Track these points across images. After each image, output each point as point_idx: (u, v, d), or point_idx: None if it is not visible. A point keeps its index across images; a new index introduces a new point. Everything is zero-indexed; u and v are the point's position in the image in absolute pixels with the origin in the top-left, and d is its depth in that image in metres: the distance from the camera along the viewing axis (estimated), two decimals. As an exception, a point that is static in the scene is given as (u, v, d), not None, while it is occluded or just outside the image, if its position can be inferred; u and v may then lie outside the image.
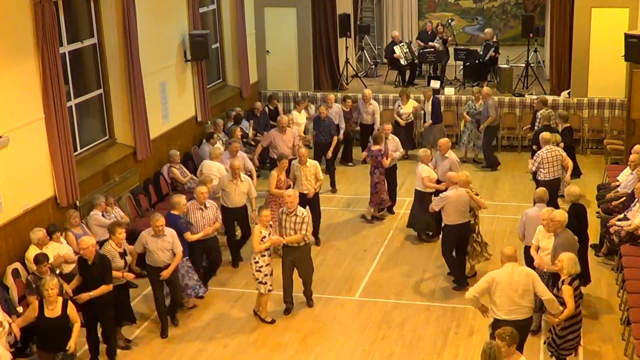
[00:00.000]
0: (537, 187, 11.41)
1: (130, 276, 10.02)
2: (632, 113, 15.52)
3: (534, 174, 13.03)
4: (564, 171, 12.87)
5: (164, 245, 10.06)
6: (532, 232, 9.99)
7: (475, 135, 16.45)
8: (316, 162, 12.78)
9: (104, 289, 9.22)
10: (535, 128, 15.19)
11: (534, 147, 14.08)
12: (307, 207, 12.00)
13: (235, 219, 12.27)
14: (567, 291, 8.34)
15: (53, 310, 8.37)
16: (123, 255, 9.80)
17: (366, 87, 18.91)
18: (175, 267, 10.19)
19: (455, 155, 13.07)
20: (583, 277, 9.47)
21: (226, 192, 12.07)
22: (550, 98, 17.35)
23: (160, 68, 14.43)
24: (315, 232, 12.75)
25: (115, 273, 9.53)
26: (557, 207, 11.12)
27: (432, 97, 16.59)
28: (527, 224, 10.26)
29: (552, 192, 11.70)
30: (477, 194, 11.43)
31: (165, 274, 10.02)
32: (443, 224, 11.41)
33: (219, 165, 13.00)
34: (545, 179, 12.57)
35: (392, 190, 13.93)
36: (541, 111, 15.35)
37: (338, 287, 11.44)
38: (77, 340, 8.59)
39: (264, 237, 10.23)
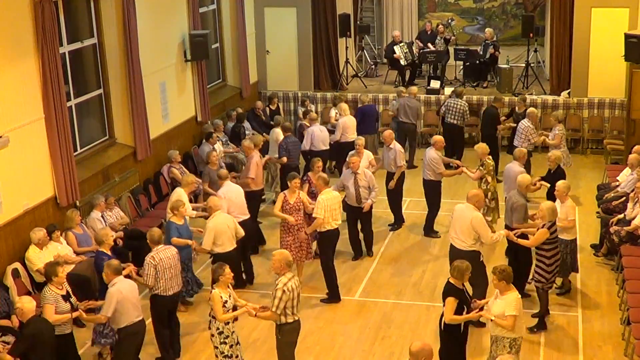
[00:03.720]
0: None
1: (82, 315, 8.92)
2: (632, 113, 15.53)
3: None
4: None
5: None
6: (510, 184, 11.48)
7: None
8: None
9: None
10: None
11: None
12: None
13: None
14: (542, 234, 9.68)
15: None
16: (67, 297, 8.70)
17: (366, 87, 18.98)
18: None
19: (399, 146, 13.20)
20: None
21: (219, 233, 10.41)
22: (550, 98, 17.41)
23: (160, 68, 14.44)
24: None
25: (61, 317, 8.52)
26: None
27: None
28: (506, 176, 11.92)
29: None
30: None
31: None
32: None
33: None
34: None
35: (367, 237, 12.54)
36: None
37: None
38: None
39: (226, 301, 8.53)
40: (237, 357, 8.74)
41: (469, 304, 8.36)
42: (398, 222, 13.51)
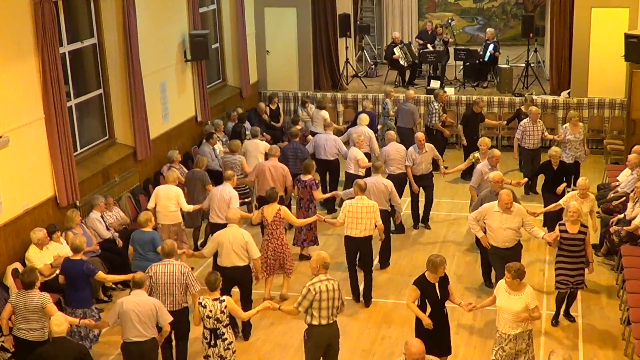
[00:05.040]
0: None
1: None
2: (632, 113, 15.52)
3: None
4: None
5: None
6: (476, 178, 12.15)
7: None
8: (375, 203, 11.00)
9: None
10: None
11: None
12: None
13: (233, 282, 9.93)
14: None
15: None
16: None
17: (366, 87, 18.99)
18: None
19: (398, 147, 13.42)
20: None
21: (219, 245, 9.90)
22: (550, 98, 17.41)
23: (160, 68, 14.44)
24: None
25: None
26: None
27: None
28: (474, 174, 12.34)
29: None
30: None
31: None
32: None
33: (176, 191, 11.68)
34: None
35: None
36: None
37: (338, 287, 11.43)
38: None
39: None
40: None
41: (436, 302, 8.44)
42: (399, 227, 13.34)
